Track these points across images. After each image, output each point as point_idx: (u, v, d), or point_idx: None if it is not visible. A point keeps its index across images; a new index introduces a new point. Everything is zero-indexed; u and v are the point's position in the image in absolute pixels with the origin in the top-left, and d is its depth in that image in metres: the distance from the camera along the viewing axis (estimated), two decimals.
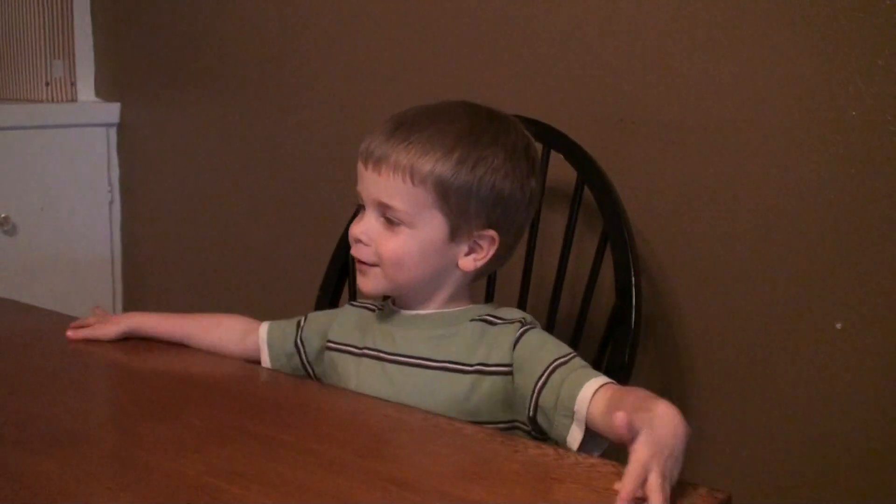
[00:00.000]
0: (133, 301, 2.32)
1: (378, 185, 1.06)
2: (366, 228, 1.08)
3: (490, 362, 1.05)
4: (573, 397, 0.95)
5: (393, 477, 0.82)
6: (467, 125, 1.08)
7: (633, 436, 0.80)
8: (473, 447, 0.90)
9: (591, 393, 0.94)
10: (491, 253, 1.09)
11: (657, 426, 0.81)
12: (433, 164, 1.04)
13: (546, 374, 1.00)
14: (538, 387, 1.00)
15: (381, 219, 1.07)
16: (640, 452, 0.77)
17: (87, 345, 1.20)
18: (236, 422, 0.95)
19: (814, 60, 1.29)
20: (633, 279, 1.26)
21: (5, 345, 1.23)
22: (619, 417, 0.80)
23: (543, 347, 1.04)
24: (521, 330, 1.06)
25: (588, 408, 0.93)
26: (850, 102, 1.26)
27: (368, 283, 1.10)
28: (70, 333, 1.23)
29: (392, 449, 0.92)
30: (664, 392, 1.48)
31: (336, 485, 0.80)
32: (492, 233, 1.08)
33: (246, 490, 0.79)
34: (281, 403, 1.02)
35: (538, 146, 1.39)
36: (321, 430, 0.95)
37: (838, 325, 1.31)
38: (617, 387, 0.95)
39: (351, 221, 1.13)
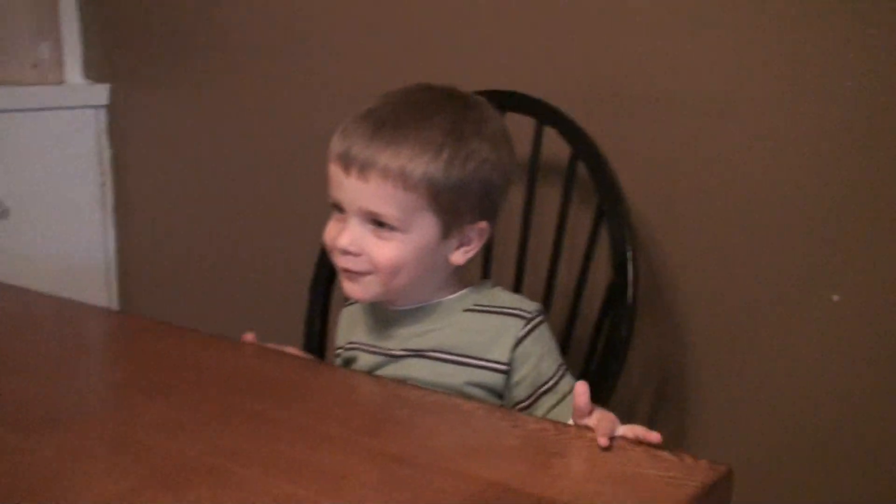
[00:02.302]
0: (127, 284, 2.31)
1: (365, 192, 1.00)
2: (353, 238, 1.02)
3: (488, 357, 1.05)
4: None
5: (392, 453, 0.82)
6: (450, 118, 1.03)
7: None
8: (472, 422, 0.90)
9: None
10: (481, 243, 1.08)
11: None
12: (425, 167, 1.00)
13: (531, 400, 1.05)
14: (521, 407, 1.05)
15: (369, 226, 1.02)
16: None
17: (81, 328, 1.20)
18: (234, 401, 0.94)
19: (808, 30, 1.28)
20: (629, 254, 1.25)
21: (0, 327, 1.22)
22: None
23: (541, 362, 1.06)
24: (525, 330, 1.06)
25: None
26: (844, 72, 1.26)
27: (359, 289, 1.05)
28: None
29: (390, 425, 0.91)
30: (662, 366, 1.50)
31: (335, 461, 0.80)
32: (483, 224, 1.07)
33: (245, 468, 0.79)
34: (278, 382, 1.02)
35: (531, 121, 1.39)
36: (319, 407, 0.95)
37: (835, 298, 1.31)
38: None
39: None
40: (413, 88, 1.09)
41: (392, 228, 1.02)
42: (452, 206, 1.03)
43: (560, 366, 1.07)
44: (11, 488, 0.76)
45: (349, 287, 1.06)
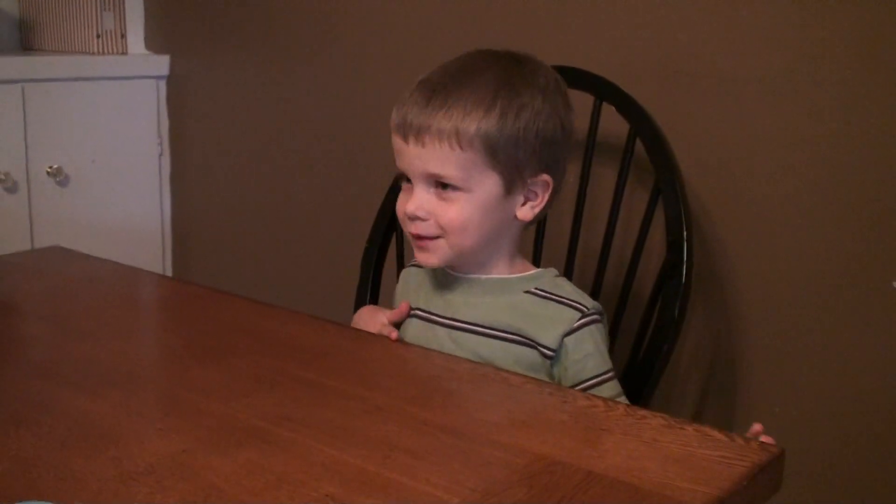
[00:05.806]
0: (181, 251, 2.34)
1: (424, 156, 1.03)
2: (420, 202, 1.05)
3: (537, 340, 1.05)
4: None
5: (441, 424, 0.82)
6: (498, 74, 1.05)
7: None
8: (522, 397, 0.90)
9: None
10: (547, 197, 1.09)
11: None
12: (478, 124, 1.02)
13: (591, 384, 1.05)
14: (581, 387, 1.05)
15: (433, 189, 1.05)
16: None
17: (137, 293, 1.22)
18: (285, 368, 0.95)
19: (873, 10, 1.25)
20: (684, 233, 1.24)
21: (60, 290, 1.24)
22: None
23: (587, 359, 1.05)
24: (580, 322, 1.05)
25: None
26: None
27: (433, 256, 1.07)
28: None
29: (440, 397, 0.91)
30: (713, 349, 1.48)
31: (385, 430, 0.80)
32: (545, 177, 1.08)
33: (295, 433, 0.79)
34: (329, 350, 1.03)
35: (590, 97, 1.37)
36: (369, 377, 0.95)
37: (895, 284, 1.28)
38: None
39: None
40: (464, 54, 1.11)
41: (455, 189, 1.04)
42: (511, 160, 1.04)
43: (606, 371, 1.06)
44: (66, 445, 0.77)
45: (422, 256, 1.09)
